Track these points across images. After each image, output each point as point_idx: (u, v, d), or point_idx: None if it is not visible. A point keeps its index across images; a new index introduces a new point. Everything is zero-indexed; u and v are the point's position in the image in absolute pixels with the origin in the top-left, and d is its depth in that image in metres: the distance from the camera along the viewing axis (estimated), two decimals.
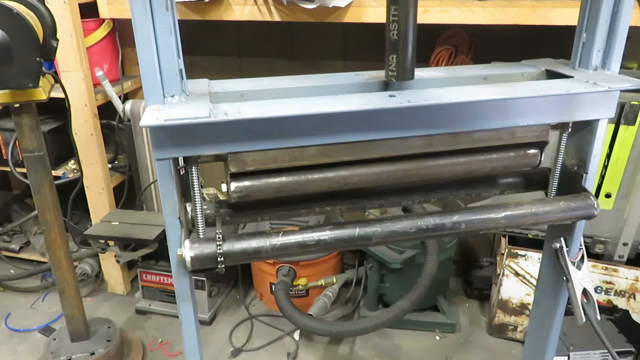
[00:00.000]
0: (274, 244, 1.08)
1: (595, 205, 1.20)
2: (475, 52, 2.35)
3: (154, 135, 0.96)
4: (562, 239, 1.27)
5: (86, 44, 2.40)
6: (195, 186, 1.06)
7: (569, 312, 1.33)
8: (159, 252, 2.43)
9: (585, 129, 1.20)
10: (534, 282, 2.26)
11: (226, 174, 1.07)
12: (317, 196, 1.19)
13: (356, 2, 2.08)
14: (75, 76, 2.36)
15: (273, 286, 2.59)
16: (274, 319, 2.65)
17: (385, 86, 1.18)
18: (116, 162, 2.77)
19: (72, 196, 2.26)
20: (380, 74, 1.21)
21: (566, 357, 2.00)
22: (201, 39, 2.80)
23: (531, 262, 2.28)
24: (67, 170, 2.62)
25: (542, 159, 1.23)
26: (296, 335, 2.55)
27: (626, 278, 2.20)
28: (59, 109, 2.24)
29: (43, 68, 1.65)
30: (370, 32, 2.10)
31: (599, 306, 1.27)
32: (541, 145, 1.21)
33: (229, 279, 2.89)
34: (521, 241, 2.35)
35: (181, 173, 1.09)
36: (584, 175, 1.22)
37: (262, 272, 2.70)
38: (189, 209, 1.12)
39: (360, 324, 2.19)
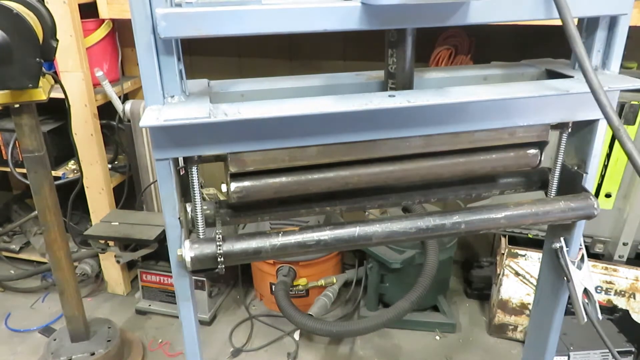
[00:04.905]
0: (274, 244, 1.08)
1: (595, 205, 1.20)
2: (475, 52, 2.35)
3: (154, 135, 0.96)
4: (562, 238, 1.27)
5: (86, 44, 2.40)
6: (195, 186, 1.06)
7: (569, 312, 1.33)
8: (159, 252, 2.43)
9: (585, 129, 1.20)
10: (534, 282, 2.26)
11: (226, 174, 1.07)
12: (317, 196, 1.19)
13: None
14: (75, 76, 2.36)
15: (273, 286, 2.59)
16: (274, 319, 2.65)
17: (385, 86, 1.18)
18: (116, 162, 2.77)
19: (72, 196, 2.26)
20: (380, 74, 1.21)
21: (566, 357, 2.00)
22: (201, 39, 2.80)
23: (531, 262, 2.28)
24: (67, 171, 2.62)
25: (542, 158, 1.23)
26: (296, 335, 2.55)
27: (626, 278, 2.20)
28: (59, 109, 2.24)
29: (43, 68, 1.65)
30: (370, 32, 2.10)
31: (599, 306, 1.27)
32: (541, 145, 1.21)
33: (229, 279, 2.89)
34: (521, 241, 2.35)
35: (181, 173, 1.09)
36: (584, 175, 1.22)
37: (262, 272, 2.70)
38: (189, 209, 1.12)
39: (360, 324, 2.19)
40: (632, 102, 1.92)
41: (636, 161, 0.86)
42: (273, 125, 1.00)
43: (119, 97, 2.51)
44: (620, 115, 1.95)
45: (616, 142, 2.01)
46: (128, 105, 2.45)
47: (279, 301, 2.34)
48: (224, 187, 1.10)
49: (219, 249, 1.05)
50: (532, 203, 1.20)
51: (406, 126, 1.05)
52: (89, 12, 2.37)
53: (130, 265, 2.88)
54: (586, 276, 1.26)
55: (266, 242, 1.08)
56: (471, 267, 2.79)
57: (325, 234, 1.10)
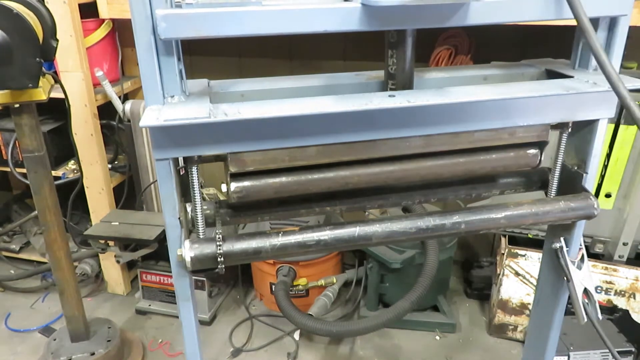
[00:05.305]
0: (274, 244, 1.08)
1: (595, 205, 1.20)
2: (475, 52, 2.35)
3: (154, 135, 0.96)
4: (562, 238, 1.27)
5: (86, 44, 2.40)
6: (195, 186, 1.06)
7: (569, 312, 1.33)
8: (159, 252, 2.43)
9: (585, 128, 1.20)
10: (534, 282, 2.26)
11: (226, 174, 1.08)
12: (317, 196, 1.19)
13: None
14: (75, 76, 2.36)
15: (273, 286, 2.59)
16: (274, 319, 2.65)
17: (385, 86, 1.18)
18: (116, 162, 2.77)
19: (72, 196, 2.26)
20: (380, 74, 1.21)
21: (566, 357, 2.00)
22: (201, 39, 2.79)
23: (531, 262, 2.28)
24: (67, 171, 2.62)
25: (542, 158, 1.23)
26: (296, 335, 2.55)
27: (626, 278, 2.20)
28: (59, 109, 2.24)
29: (43, 68, 1.65)
30: (370, 32, 2.10)
31: (599, 306, 1.27)
32: (541, 145, 1.21)
33: (229, 279, 2.89)
34: (521, 241, 2.35)
35: (181, 173, 1.09)
36: (584, 175, 1.22)
37: (262, 272, 2.70)
38: (189, 209, 1.12)
39: (360, 324, 2.19)
40: None
41: None
42: (273, 125, 1.00)
43: (119, 97, 2.51)
44: (620, 115, 1.95)
45: (616, 142, 2.01)
46: (128, 105, 2.45)
47: (279, 301, 2.34)
48: (224, 187, 1.10)
49: (219, 249, 1.05)
50: (532, 203, 1.20)
51: (406, 126, 1.05)
52: (89, 12, 2.37)
53: (130, 265, 2.88)
54: (586, 276, 1.26)
55: (266, 242, 1.08)
56: (471, 267, 2.79)
57: (325, 234, 1.10)
